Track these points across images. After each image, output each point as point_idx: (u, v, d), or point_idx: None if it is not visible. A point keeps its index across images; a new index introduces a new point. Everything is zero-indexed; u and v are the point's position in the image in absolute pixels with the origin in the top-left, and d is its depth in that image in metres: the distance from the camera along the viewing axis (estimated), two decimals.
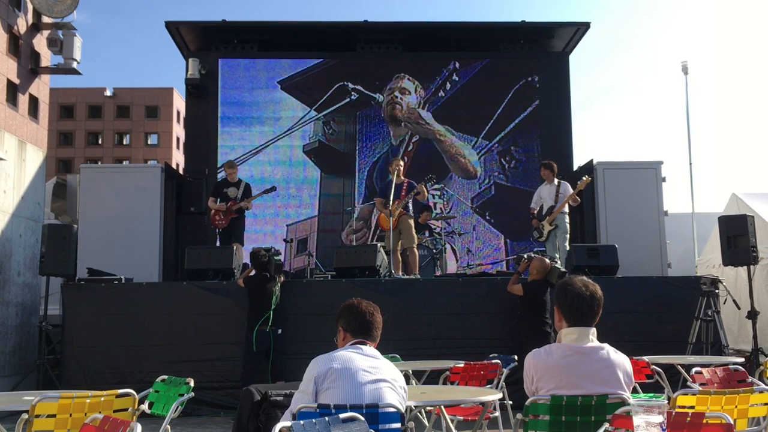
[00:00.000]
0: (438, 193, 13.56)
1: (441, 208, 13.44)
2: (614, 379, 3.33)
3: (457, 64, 13.93)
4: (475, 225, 13.56)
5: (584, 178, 10.02)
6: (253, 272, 8.43)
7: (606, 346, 3.39)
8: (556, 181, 10.13)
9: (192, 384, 4.61)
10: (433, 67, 13.97)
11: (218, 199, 10.25)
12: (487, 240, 13.56)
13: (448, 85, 13.91)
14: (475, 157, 13.76)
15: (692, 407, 3.58)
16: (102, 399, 3.99)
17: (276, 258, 8.34)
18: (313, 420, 2.98)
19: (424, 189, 9.70)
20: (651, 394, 2.85)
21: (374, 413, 3.17)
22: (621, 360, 3.39)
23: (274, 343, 8.08)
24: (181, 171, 15.04)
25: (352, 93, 13.81)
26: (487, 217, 13.65)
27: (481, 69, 13.97)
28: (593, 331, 3.41)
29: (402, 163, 10.09)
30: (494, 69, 14.02)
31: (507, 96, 13.80)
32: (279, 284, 8.29)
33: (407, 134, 13.84)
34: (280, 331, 8.13)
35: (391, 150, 13.71)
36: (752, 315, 8.83)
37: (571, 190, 10.02)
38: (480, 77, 13.92)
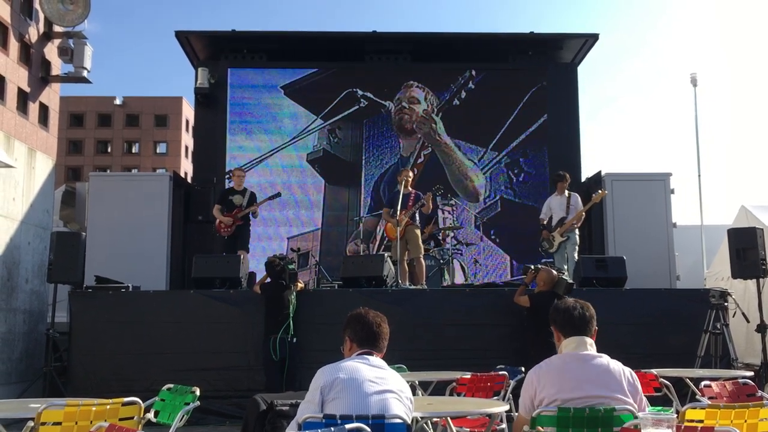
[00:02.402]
0: (449, 208, 13.38)
1: (451, 222, 13.25)
2: (615, 383, 3.39)
3: (474, 72, 13.88)
4: (482, 236, 13.43)
5: (599, 192, 10.01)
6: (269, 279, 8.44)
7: (604, 355, 3.51)
8: (566, 192, 10.11)
9: (198, 393, 4.60)
10: (443, 76, 13.92)
11: (223, 207, 10.25)
12: (492, 260, 13.24)
13: (464, 94, 13.81)
14: (481, 180, 13.54)
15: (701, 421, 3.56)
16: (108, 407, 3.99)
17: (290, 267, 8.32)
18: (319, 430, 2.97)
19: (429, 201, 9.66)
20: (659, 408, 2.83)
21: (380, 424, 3.15)
22: (620, 367, 3.47)
23: (290, 352, 8.05)
24: (189, 180, 15.08)
25: (361, 100, 13.77)
26: (492, 236, 13.31)
27: (490, 79, 13.89)
28: (591, 341, 3.53)
29: (411, 173, 10.07)
30: (503, 79, 13.96)
31: (518, 105, 13.68)
32: (295, 292, 8.29)
33: (418, 143, 13.75)
34: (295, 339, 8.11)
35: (401, 161, 13.57)
36: (761, 328, 8.77)
37: (581, 202, 10.00)
38: (489, 87, 13.84)
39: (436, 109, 13.80)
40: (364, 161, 13.73)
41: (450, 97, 13.80)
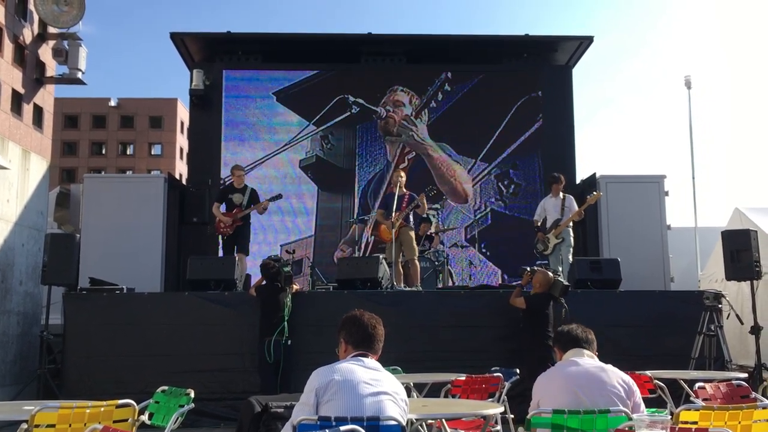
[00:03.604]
0: (433, 211, 13.17)
1: (439, 226, 13.10)
2: (609, 386, 3.48)
3: (449, 74, 13.76)
4: (469, 246, 13.20)
5: (594, 193, 10.04)
6: (264, 282, 8.43)
7: (598, 360, 3.70)
8: (561, 194, 10.13)
9: (192, 395, 4.60)
10: (434, 78, 13.85)
11: (223, 205, 10.17)
12: (483, 272, 13.06)
13: (440, 95, 13.67)
14: (468, 181, 13.44)
15: (695, 423, 3.56)
16: (102, 409, 3.98)
17: (285, 269, 8.30)
18: None
19: (424, 202, 9.66)
20: (654, 409, 2.84)
21: (375, 426, 3.15)
22: (614, 369, 3.60)
23: (285, 354, 8.04)
24: (184, 181, 15.06)
25: (353, 106, 13.71)
26: (483, 250, 13.14)
27: (481, 82, 13.76)
28: (589, 353, 3.69)
29: (404, 173, 10.05)
30: (496, 83, 13.87)
31: (508, 114, 13.54)
32: (290, 295, 8.28)
33: (399, 146, 13.62)
34: (290, 341, 8.11)
35: (387, 167, 13.44)
36: (755, 330, 8.80)
37: (575, 204, 10.02)
38: (480, 92, 13.71)
39: (414, 112, 13.70)
40: (357, 167, 13.63)
41: (428, 98, 13.67)
